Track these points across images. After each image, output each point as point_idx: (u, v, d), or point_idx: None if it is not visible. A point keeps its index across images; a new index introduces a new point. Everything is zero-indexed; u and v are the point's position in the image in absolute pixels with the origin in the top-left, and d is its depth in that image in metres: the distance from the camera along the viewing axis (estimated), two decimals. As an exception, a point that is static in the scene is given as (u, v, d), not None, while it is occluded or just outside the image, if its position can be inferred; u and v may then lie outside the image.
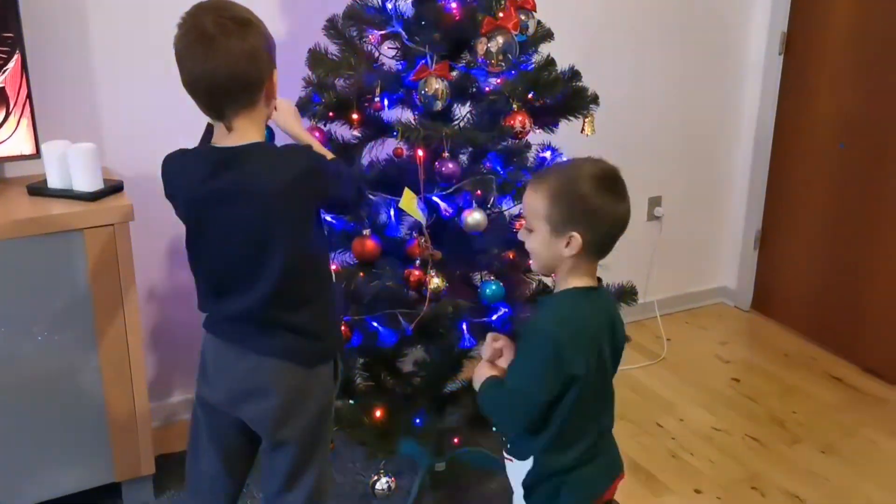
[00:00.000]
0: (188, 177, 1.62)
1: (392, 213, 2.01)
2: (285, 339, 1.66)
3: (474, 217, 1.95)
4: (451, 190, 1.98)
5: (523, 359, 1.58)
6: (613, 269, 2.34)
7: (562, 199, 1.51)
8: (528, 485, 1.64)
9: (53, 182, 2.26)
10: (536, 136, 2.21)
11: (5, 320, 2.12)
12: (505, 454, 1.68)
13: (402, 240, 2.09)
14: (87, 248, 2.16)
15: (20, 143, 2.25)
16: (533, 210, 1.54)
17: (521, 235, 1.59)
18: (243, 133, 1.59)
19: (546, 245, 1.54)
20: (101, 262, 2.17)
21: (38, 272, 2.13)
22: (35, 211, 2.15)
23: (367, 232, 1.98)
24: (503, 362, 1.65)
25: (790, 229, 3.64)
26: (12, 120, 2.22)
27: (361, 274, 2.00)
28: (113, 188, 2.26)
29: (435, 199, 1.98)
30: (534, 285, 2.26)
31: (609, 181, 1.53)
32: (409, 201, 1.92)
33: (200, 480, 1.87)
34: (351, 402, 2.18)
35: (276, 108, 1.70)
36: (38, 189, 2.26)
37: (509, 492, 1.71)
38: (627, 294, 2.31)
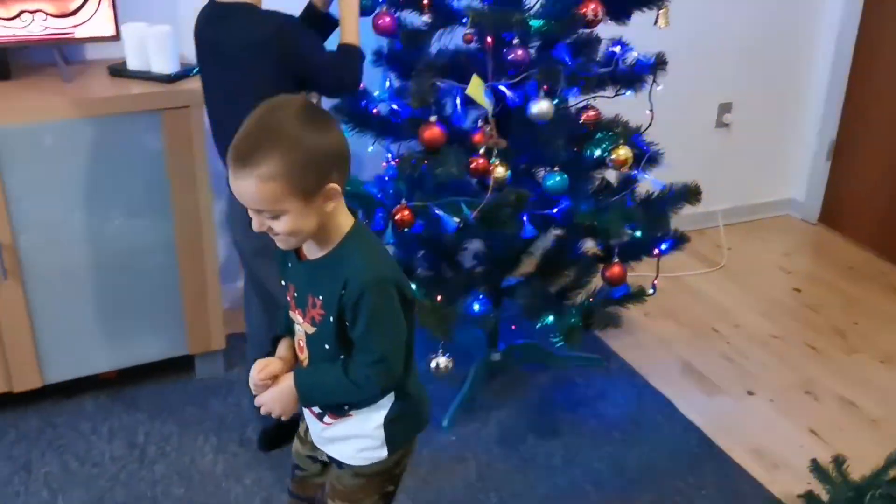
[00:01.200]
0: (196, 27, 1.92)
1: (458, 101, 2.02)
2: None
3: (540, 106, 1.96)
4: (518, 79, 1.98)
5: (377, 318, 1.35)
6: (677, 176, 2.34)
7: (297, 166, 1.25)
8: (391, 418, 1.48)
9: (133, 64, 2.32)
10: (608, 30, 2.19)
11: (87, 197, 2.22)
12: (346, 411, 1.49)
13: (467, 128, 2.11)
14: (163, 128, 2.23)
15: (101, 25, 2.31)
16: (269, 198, 1.27)
17: (262, 228, 1.32)
18: None
19: (305, 216, 1.30)
20: (176, 143, 2.25)
21: (118, 151, 2.22)
22: (115, 91, 2.22)
23: (433, 119, 2.00)
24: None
25: (865, 141, 3.53)
26: (92, 2, 2.28)
27: (426, 161, 2.03)
28: (189, 71, 2.32)
29: (502, 87, 1.99)
30: (597, 181, 2.26)
31: (311, 115, 1.31)
32: (477, 88, 1.93)
33: (250, 325, 2.14)
34: (412, 286, 2.24)
35: None
36: (119, 70, 2.33)
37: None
38: (692, 193, 2.31)
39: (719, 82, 3.46)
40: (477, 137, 2.00)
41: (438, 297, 2.19)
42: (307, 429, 1.59)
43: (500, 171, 2.00)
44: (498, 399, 2.54)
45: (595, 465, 2.29)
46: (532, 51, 2.00)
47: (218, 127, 1.92)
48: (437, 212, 2.04)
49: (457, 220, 2.03)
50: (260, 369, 1.45)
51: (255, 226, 1.32)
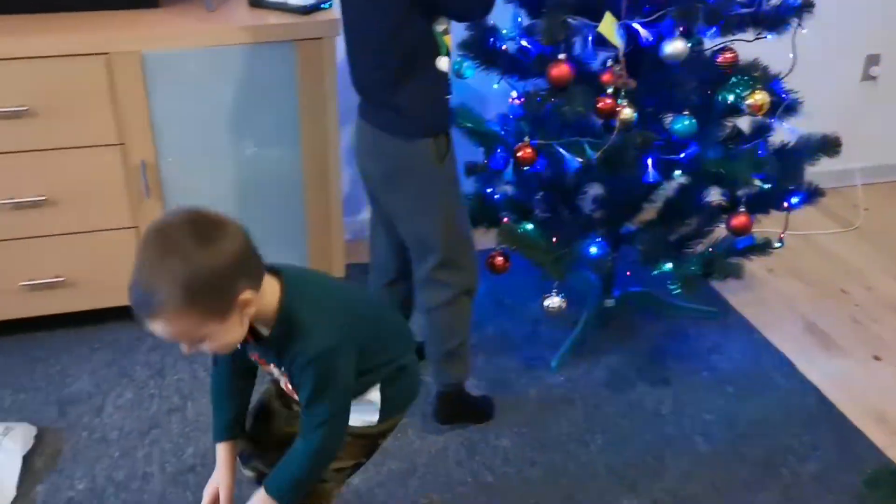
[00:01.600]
0: None
1: (590, 38, 1.98)
2: (387, 114, 1.86)
3: (674, 46, 1.90)
4: (653, 17, 1.92)
5: (321, 386, 1.37)
6: (815, 129, 2.23)
7: (199, 295, 1.21)
8: (389, 389, 1.56)
9: (270, -5, 2.39)
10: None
11: (223, 123, 2.32)
12: None
13: (596, 68, 2.07)
14: (297, 59, 2.30)
15: (241, -45, 2.38)
16: (185, 331, 1.25)
17: (193, 350, 1.30)
18: None
19: (230, 330, 1.28)
20: (308, 74, 2.31)
21: (254, 79, 2.30)
22: (253, 21, 2.30)
23: (562, 56, 1.98)
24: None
25: None
26: (235, -68, 2.35)
27: (552, 99, 2.01)
28: (324, 3, 2.36)
29: (635, 25, 1.94)
30: (729, 128, 2.18)
31: (198, 230, 1.24)
32: (609, 26, 1.89)
33: (375, 255, 2.20)
34: (529, 226, 2.25)
35: None
36: (258, 1, 2.40)
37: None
38: (830, 145, 2.21)
39: (868, 32, 3.25)
40: (605, 77, 1.97)
41: (554, 239, 2.19)
42: None
43: (626, 113, 1.96)
44: (609, 344, 2.54)
45: (705, 416, 2.26)
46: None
47: (350, 56, 1.96)
48: (559, 151, 2.03)
49: (579, 160, 2.01)
50: (211, 493, 1.53)
51: (185, 350, 1.29)
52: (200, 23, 2.27)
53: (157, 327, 1.24)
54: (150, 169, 2.30)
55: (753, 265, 2.94)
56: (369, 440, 1.58)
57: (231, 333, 1.29)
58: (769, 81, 2.00)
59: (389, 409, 1.55)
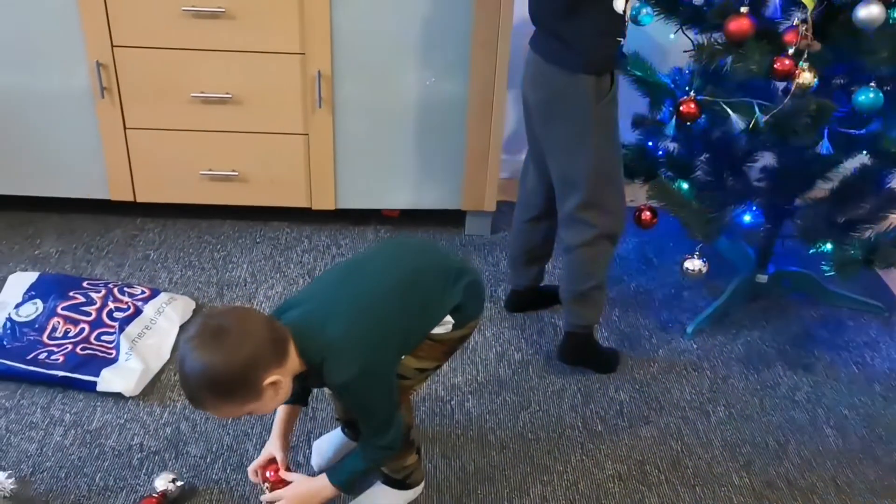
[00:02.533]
0: None
1: (779, -7, 1.87)
2: (554, 44, 1.87)
3: (870, 10, 1.75)
4: (851, -24, 1.78)
5: (359, 404, 1.57)
6: None
7: (229, 396, 1.42)
8: (456, 305, 1.66)
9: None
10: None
11: (397, 42, 2.39)
12: None
13: (781, 25, 1.95)
14: (476, -12, 2.32)
15: None
16: (229, 415, 1.57)
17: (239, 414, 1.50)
18: None
19: (269, 402, 1.46)
20: (484, 5, 2.33)
21: (431, 4, 2.35)
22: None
23: (744, 9, 1.88)
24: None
25: None
26: None
27: (728, 54, 1.92)
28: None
29: (830, -16, 1.80)
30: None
31: (215, 335, 1.40)
32: (802, -19, 1.77)
33: (523, 189, 2.23)
34: (685, 185, 2.18)
35: None
36: (447, -73, 2.43)
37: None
38: None
39: None
40: (789, 36, 1.85)
41: (708, 202, 2.11)
42: None
43: (806, 77, 1.84)
44: (753, 320, 2.44)
45: (843, 411, 2.13)
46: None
47: None
48: (726, 109, 1.94)
49: (746, 121, 1.92)
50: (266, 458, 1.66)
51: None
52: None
53: (209, 413, 1.54)
54: (326, 81, 2.42)
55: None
56: (447, 344, 1.67)
57: (273, 403, 1.48)
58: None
59: (462, 320, 1.64)
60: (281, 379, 1.43)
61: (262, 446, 1.71)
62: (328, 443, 1.90)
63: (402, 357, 1.60)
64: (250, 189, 2.61)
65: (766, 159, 2.34)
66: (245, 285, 2.46)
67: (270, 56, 2.39)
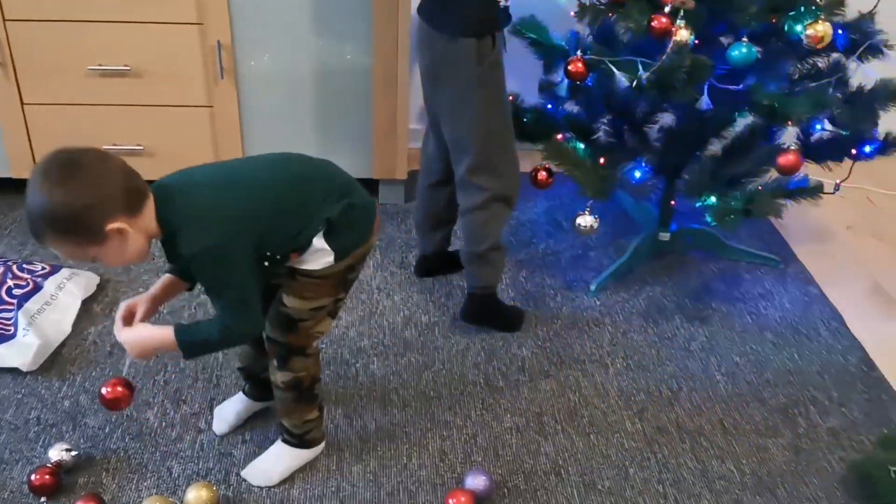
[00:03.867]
0: None
1: (654, -47, 1.92)
2: (436, 9, 1.92)
3: (738, -33, 1.81)
4: (721, -66, 1.84)
5: (210, 281, 1.50)
6: None
7: (68, 233, 1.37)
8: (332, 233, 1.60)
9: None
10: None
11: (298, 12, 2.40)
12: None
13: (659, -16, 2.00)
14: (373, -45, 2.33)
15: None
16: (70, 256, 1.46)
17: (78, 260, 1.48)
18: None
19: (113, 251, 1.41)
20: (383, -28, 2.35)
21: (330, -27, 2.36)
22: (335, -87, 2.34)
23: (619, -31, 1.93)
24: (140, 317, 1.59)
25: None
26: None
27: (610, 14, 1.97)
28: None
29: (701, -58, 1.86)
30: (797, 66, 2.08)
31: (62, 169, 1.35)
32: (672, -60, 1.82)
33: (424, 155, 2.26)
34: (581, 145, 2.24)
35: None
36: None
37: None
38: None
39: None
40: (665, -5, 1.91)
41: (602, 160, 2.17)
42: None
43: (683, 34, 1.90)
44: (655, 277, 2.51)
45: (735, 358, 2.22)
46: None
47: None
48: (611, 67, 1.99)
49: (631, 78, 1.98)
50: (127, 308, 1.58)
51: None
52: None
53: (51, 249, 1.44)
54: (226, 51, 2.41)
55: (831, 220, 2.83)
56: (336, 278, 1.62)
57: (120, 255, 1.42)
58: (833, 10, 1.87)
59: (343, 248, 1.59)
60: (128, 229, 1.38)
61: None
62: (230, 407, 1.91)
63: (265, 259, 1.54)
64: (156, 163, 2.60)
65: (666, 119, 2.41)
66: (153, 260, 2.45)
67: (167, 27, 2.38)
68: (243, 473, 1.78)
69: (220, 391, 2.00)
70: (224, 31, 2.38)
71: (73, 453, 1.75)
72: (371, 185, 2.75)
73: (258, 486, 1.77)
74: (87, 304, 2.24)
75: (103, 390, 1.59)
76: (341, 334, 2.22)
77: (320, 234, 1.55)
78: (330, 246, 1.57)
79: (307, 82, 2.52)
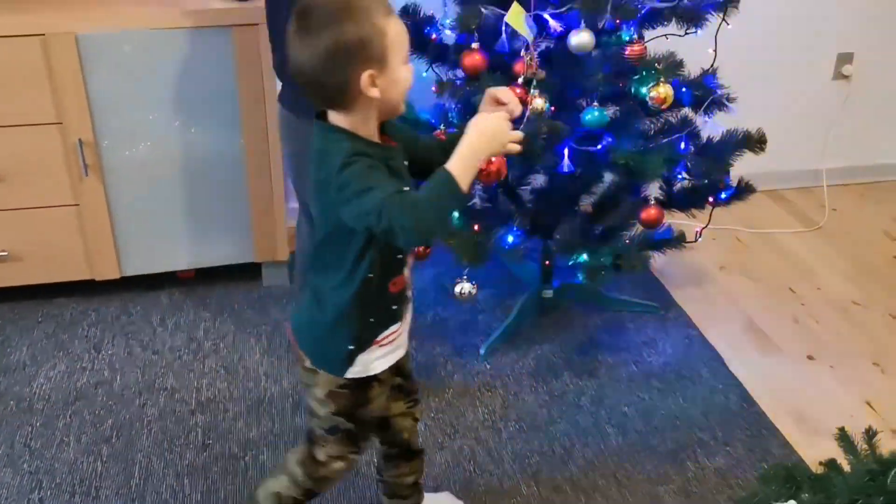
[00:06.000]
0: None
1: (503, 28, 1.99)
2: (302, 98, 1.78)
3: (580, 38, 1.91)
4: (562, 8, 1.93)
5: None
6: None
7: (314, 80, 1.33)
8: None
9: (212, -19, 2.44)
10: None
11: (163, 104, 2.38)
12: None
13: (510, 57, 2.08)
14: (234, 43, 2.34)
15: (186, -59, 2.43)
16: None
17: None
18: None
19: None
20: (245, 58, 2.36)
21: (192, 62, 2.35)
22: (191, 5, 2.35)
23: (475, 45, 2.00)
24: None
25: None
26: (180, -81, 2.40)
27: (468, 87, 2.03)
28: (262, -10, 2.41)
29: (546, 16, 1.95)
30: (650, 123, 2.19)
31: (300, 25, 1.30)
32: (517, 16, 1.90)
33: (299, 240, 2.23)
34: (455, 214, 2.27)
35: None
36: (199, -14, 2.45)
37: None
38: (754, 142, 2.20)
39: (840, 30, 3.21)
40: (517, 67, 1.98)
41: (476, 227, 2.21)
42: None
43: (538, 103, 1.97)
44: (542, 334, 2.55)
45: (623, 409, 2.26)
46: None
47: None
48: (474, 140, 2.04)
49: (493, 149, 2.03)
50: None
51: None
52: (138, 6, 2.33)
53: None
54: (89, 148, 2.36)
55: (704, 261, 2.95)
56: None
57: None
58: (671, 74, 1.98)
59: None
60: (371, 77, 1.27)
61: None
62: None
63: None
64: (25, 268, 2.50)
65: (539, 180, 2.48)
66: (24, 369, 2.34)
67: (25, 128, 2.32)
68: None
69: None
70: (85, 128, 2.34)
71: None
72: (253, 269, 2.72)
73: None
74: (-49, 424, 2.11)
75: None
76: (228, 427, 2.16)
77: None
78: None
79: (178, 172, 2.48)
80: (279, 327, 2.56)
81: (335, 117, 1.38)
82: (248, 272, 2.73)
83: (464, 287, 2.18)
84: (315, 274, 1.52)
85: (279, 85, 2.08)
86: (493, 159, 1.46)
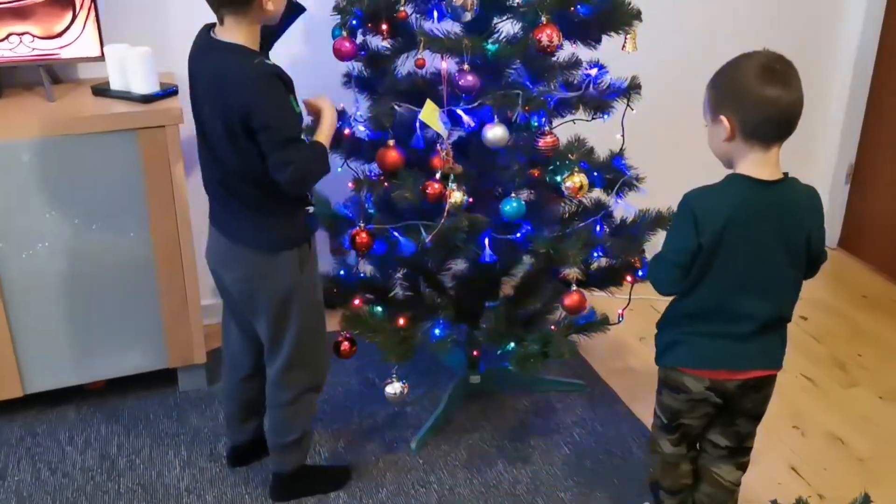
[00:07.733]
0: (191, 51, 1.83)
1: (417, 125, 2.01)
2: (243, 225, 1.87)
3: (494, 132, 1.94)
4: (475, 104, 1.96)
5: (672, 225, 1.73)
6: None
7: (716, 85, 1.60)
8: (658, 324, 1.87)
9: (115, 84, 2.38)
10: (585, 53, 2.17)
11: (66, 212, 2.28)
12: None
13: (426, 152, 2.09)
14: (140, 146, 2.28)
15: (86, 46, 2.37)
16: (704, 104, 1.66)
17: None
18: (229, 30, 1.74)
19: (711, 135, 1.63)
20: (153, 161, 2.30)
21: (96, 168, 2.28)
22: (93, 110, 2.28)
23: (391, 142, 2.00)
24: None
25: (886, 164, 3.40)
26: (78, 23, 2.34)
27: (385, 184, 2.03)
28: (167, 92, 2.36)
29: (459, 112, 1.97)
30: (566, 206, 2.23)
31: (769, 67, 1.55)
32: (431, 113, 1.92)
33: (228, 349, 2.15)
34: (378, 309, 2.24)
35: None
36: (102, 90, 2.39)
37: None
38: (666, 220, 2.26)
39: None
40: (434, 162, 1.99)
41: (402, 321, 2.18)
42: None
43: (456, 196, 1.98)
44: (473, 422, 2.52)
45: (560, 495, 2.24)
46: (490, 75, 1.98)
47: (202, 162, 1.91)
48: (395, 234, 2.04)
49: (415, 243, 2.02)
50: None
51: None
52: (36, 113, 2.25)
53: None
54: (-13, 262, 2.24)
55: (623, 334, 2.99)
56: None
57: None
58: (580, 162, 2.02)
59: None
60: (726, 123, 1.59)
61: None
62: None
63: None
64: (-84, 393, 2.32)
65: (460, 266, 2.48)
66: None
67: (-85, 246, 2.18)
68: None
69: None
70: (-19, 241, 2.22)
71: None
72: (168, 374, 2.60)
73: None
74: None
75: None
76: (151, 553, 2.03)
77: None
78: None
79: (82, 279, 2.37)
80: (199, 435, 2.44)
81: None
82: (162, 378, 2.61)
83: (394, 387, 2.14)
84: None
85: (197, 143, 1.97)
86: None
